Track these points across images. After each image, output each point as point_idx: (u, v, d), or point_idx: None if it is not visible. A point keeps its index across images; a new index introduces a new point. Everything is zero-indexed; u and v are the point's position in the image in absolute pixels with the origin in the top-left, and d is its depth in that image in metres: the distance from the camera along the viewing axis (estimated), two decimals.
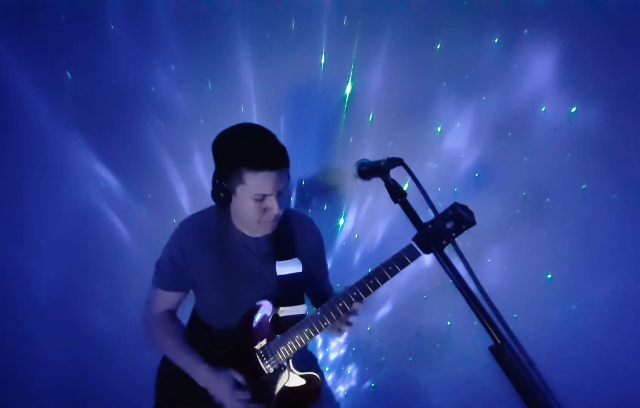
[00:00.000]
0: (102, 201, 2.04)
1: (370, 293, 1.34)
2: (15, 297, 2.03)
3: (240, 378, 1.41)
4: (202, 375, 1.42)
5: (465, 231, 1.23)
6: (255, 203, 1.32)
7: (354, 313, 1.39)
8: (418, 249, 1.26)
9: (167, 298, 1.52)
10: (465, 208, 1.24)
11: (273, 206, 1.33)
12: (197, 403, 1.45)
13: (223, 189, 1.36)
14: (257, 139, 1.32)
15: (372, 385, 2.45)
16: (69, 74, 1.92)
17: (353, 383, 2.46)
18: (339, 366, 2.45)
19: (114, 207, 2.05)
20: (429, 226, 1.10)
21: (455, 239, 1.18)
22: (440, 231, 1.13)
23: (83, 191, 2.01)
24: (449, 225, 1.20)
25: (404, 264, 1.30)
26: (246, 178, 1.29)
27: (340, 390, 2.46)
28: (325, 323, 1.38)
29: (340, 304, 1.36)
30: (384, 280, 1.32)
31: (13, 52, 1.85)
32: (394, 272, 1.31)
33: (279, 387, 1.46)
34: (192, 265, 1.46)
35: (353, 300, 1.34)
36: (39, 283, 2.03)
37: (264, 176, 1.27)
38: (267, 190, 1.30)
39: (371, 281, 1.33)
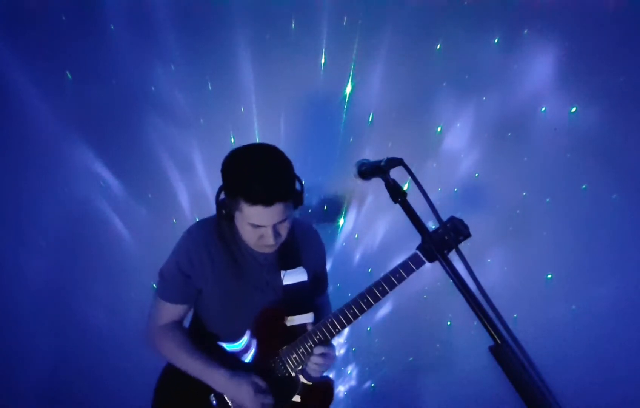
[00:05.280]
0: (102, 201, 2.03)
1: (379, 298, 1.39)
2: (14, 296, 2.02)
3: (261, 382, 1.42)
4: (221, 379, 1.40)
5: (463, 243, 1.35)
6: (252, 227, 1.32)
7: (321, 355, 1.43)
8: (423, 257, 1.34)
9: (174, 311, 1.48)
10: (460, 221, 1.36)
11: (268, 236, 1.33)
12: None
13: (225, 207, 1.36)
14: (258, 171, 1.27)
15: (372, 385, 2.45)
16: (69, 74, 1.91)
17: (353, 383, 2.46)
18: (339, 366, 2.45)
19: (114, 207, 2.05)
20: (432, 235, 1.12)
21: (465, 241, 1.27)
22: (442, 240, 1.26)
23: (83, 191, 2.01)
24: (448, 237, 1.30)
25: (410, 271, 1.38)
26: (242, 207, 1.28)
27: (340, 390, 2.46)
28: (337, 330, 1.42)
29: (351, 310, 1.40)
30: (392, 286, 1.38)
31: (13, 52, 1.85)
32: (401, 279, 1.38)
33: (290, 397, 1.47)
34: (201, 274, 1.43)
35: (364, 306, 1.39)
36: (39, 282, 2.03)
37: (259, 209, 1.26)
38: (261, 222, 1.30)
39: (380, 288, 1.38)
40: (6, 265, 1.99)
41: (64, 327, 2.08)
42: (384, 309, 2.36)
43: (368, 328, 2.40)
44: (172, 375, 1.50)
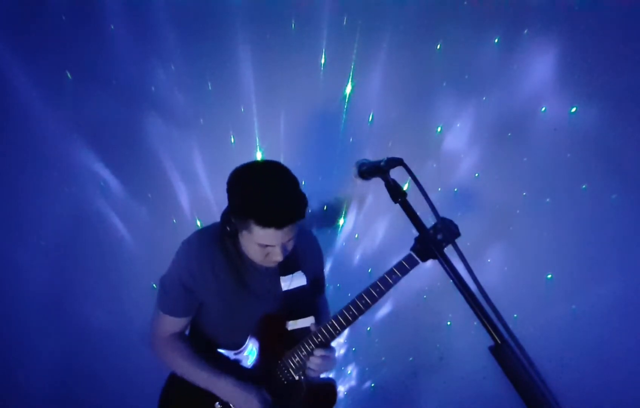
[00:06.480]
0: (102, 201, 2.03)
1: (376, 299, 1.39)
2: (14, 296, 2.02)
3: (267, 396, 1.43)
4: (227, 389, 1.41)
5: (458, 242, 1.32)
6: (259, 247, 1.31)
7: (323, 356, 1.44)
8: (416, 258, 1.33)
9: (176, 323, 1.47)
10: (450, 221, 1.33)
11: (276, 255, 1.33)
12: None
13: (230, 224, 1.35)
14: (270, 193, 1.26)
15: (372, 385, 2.45)
16: (69, 74, 1.91)
17: (353, 383, 2.46)
18: (339, 366, 2.45)
19: (114, 207, 2.05)
20: (424, 236, 1.12)
21: (456, 240, 1.24)
22: (434, 240, 1.20)
23: (83, 191, 2.01)
24: (439, 237, 1.27)
25: (405, 271, 1.37)
26: (253, 229, 1.27)
27: (340, 390, 2.46)
28: (337, 332, 1.42)
29: (350, 312, 1.40)
30: (388, 286, 1.38)
31: (13, 53, 1.85)
32: (397, 279, 1.38)
33: (294, 400, 1.48)
34: (203, 285, 1.42)
35: (362, 307, 1.39)
36: (39, 282, 2.03)
37: (271, 231, 1.25)
38: (272, 243, 1.29)
39: (377, 289, 1.38)
40: (6, 265, 1.99)
41: (64, 327, 2.08)
42: (384, 309, 2.36)
43: (368, 328, 2.40)
44: (177, 383, 1.50)
